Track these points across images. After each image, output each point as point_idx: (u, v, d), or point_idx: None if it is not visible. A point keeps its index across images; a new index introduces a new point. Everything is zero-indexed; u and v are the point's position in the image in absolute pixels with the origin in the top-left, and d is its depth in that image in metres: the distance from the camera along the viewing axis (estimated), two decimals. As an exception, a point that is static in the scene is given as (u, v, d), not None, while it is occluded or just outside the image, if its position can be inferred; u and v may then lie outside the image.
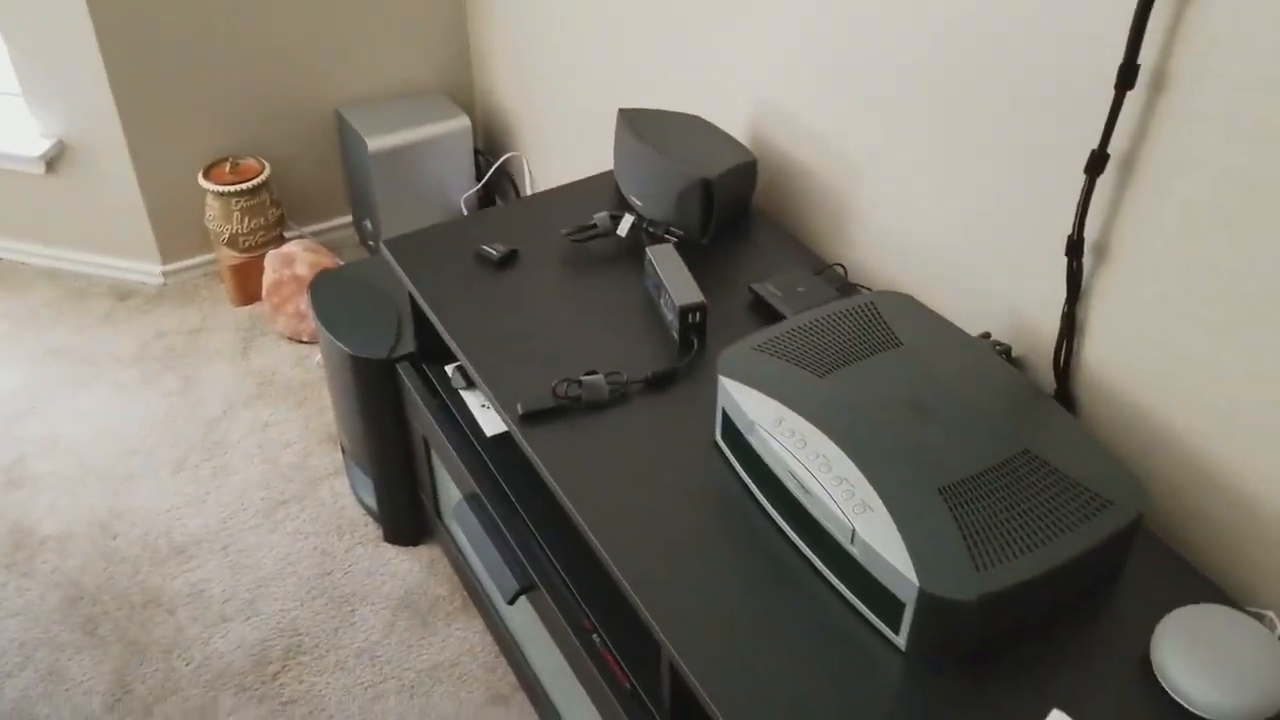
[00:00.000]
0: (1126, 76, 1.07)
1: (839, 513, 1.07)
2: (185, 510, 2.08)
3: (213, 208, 2.47)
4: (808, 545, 1.15)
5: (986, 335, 1.36)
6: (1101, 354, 1.25)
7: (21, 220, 2.65)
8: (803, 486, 1.12)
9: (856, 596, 1.10)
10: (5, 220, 2.66)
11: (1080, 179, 1.18)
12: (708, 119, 1.84)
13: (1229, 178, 1.05)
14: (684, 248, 1.60)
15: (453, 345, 1.46)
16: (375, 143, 2.45)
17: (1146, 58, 1.08)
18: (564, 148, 2.45)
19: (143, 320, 2.54)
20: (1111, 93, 1.10)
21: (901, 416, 1.14)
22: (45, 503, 2.09)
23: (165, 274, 2.64)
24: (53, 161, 2.50)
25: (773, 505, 1.19)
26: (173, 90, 2.42)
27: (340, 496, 2.10)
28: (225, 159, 2.51)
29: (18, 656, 1.82)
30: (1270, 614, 1.11)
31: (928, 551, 1.02)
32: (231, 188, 2.42)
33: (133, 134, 2.42)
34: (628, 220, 1.59)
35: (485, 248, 1.58)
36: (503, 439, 1.57)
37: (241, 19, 2.41)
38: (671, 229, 1.58)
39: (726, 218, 1.63)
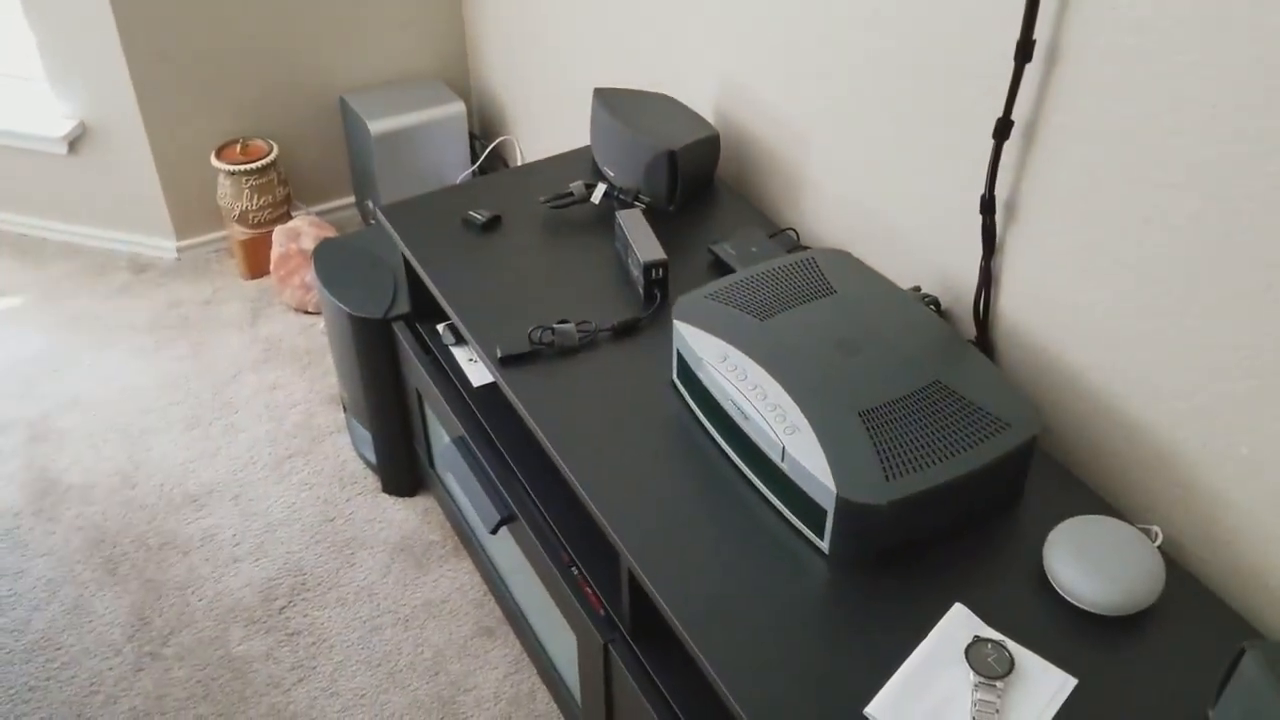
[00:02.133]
0: (1024, 50, 1.22)
1: (772, 434, 1.22)
2: (198, 463, 2.24)
3: (224, 186, 2.63)
4: (747, 465, 1.30)
5: (916, 289, 1.51)
6: (1015, 303, 1.41)
7: (45, 198, 2.82)
8: (742, 413, 1.27)
9: (788, 508, 1.25)
10: (30, 198, 2.83)
11: (990, 144, 1.33)
12: (677, 98, 1.99)
13: (1113, 140, 1.20)
14: (652, 214, 1.76)
15: (441, 300, 1.61)
16: (377, 126, 2.61)
17: (1041, 34, 1.23)
18: (551, 131, 2.60)
19: (158, 292, 2.71)
20: (1013, 65, 1.25)
21: (829, 353, 1.29)
22: (69, 455, 2.25)
23: (179, 249, 2.81)
24: (74, 143, 2.67)
25: (719, 432, 1.35)
26: (187, 76, 2.58)
27: (342, 451, 2.26)
28: (236, 140, 2.67)
29: (45, 592, 1.98)
30: (1155, 527, 1.26)
31: (846, 465, 1.17)
32: (242, 167, 2.58)
33: (149, 117, 2.58)
34: (601, 188, 1.74)
35: (471, 213, 1.73)
36: (488, 389, 1.73)
37: (252, 10, 2.57)
38: (640, 196, 1.74)
39: (691, 187, 1.78)
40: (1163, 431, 1.26)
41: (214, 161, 2.60)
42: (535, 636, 1.77)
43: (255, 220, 2.66)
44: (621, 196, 1.74)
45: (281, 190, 2.69)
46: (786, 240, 1.69)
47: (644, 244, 1.58)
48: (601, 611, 1.42)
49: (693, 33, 1.91)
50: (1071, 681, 1.10)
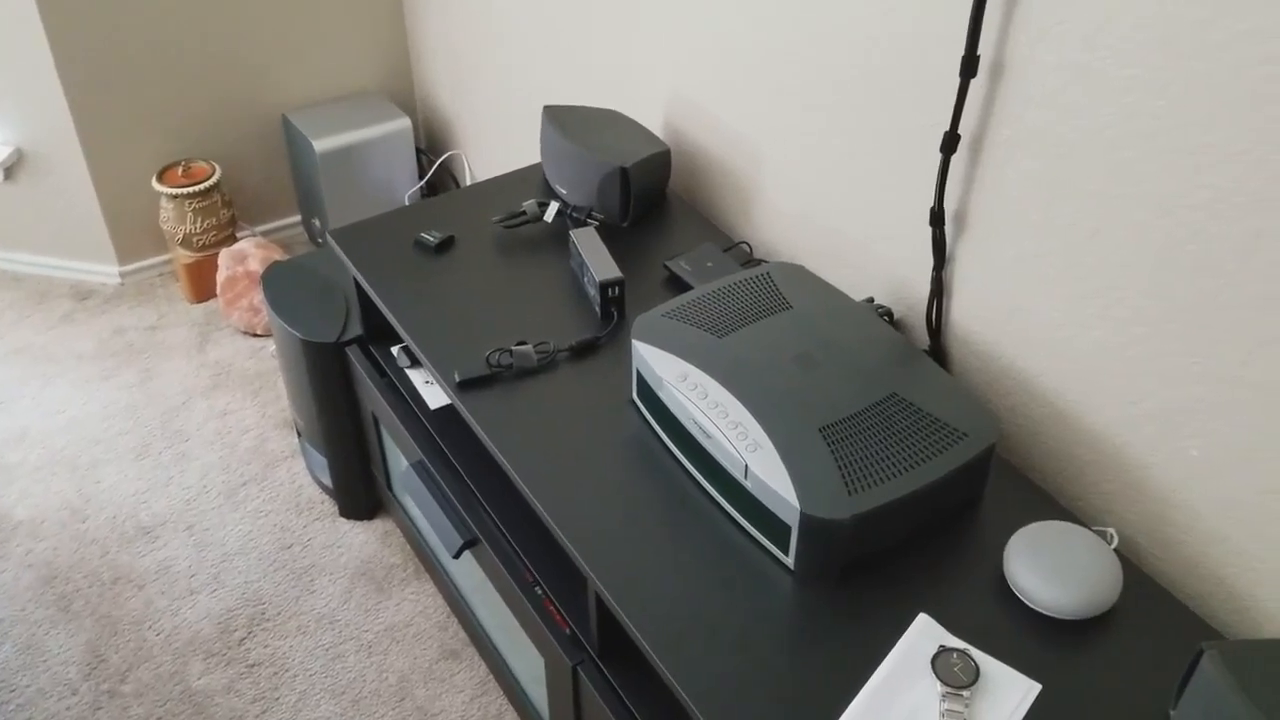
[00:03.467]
0: (969, 66, 1.24)
1: (734, 452, 1.23)
2: (150, 494, 2.20)
3: (166, 210, 2.59)
4: (710, 483, 1.31)
5: (870, 300, 1.53)
6: (967, 312, 1.43)
7: (-20, 227, 2.76)
8: (704, 432, 1.28)
9: (752, 525, 1.26)
10: (-36, 227, 2.76)
11: (938, 157, 1.35)
12: (626, 114, 2.00)
13: (1056, 151, 1.22)
14: (606, 231, 1.76)
15: (395, 324, 1.60)
16: (321, 144, 2.58)
17: (985, 51, 1.25)
18: (501, 144, 2.60)
19: (102, 319, 2.66)
20: (958, 81, 1.27)
21: (788, 368, 1.30)
22: (16, 490, 2.20)
23: (123, 274, 2.76)
24: (11, 169, 2.61)
25: (681, 451, 1.35)
26: (126, 98, 2.54)
27: (297, 477, 2.24)
28: (177, 163, 2.63)
29: (-5, 633, 1.94)
30: (1111, 530, 1.29)
31: (809, 481, 1.18)
32: (184, 190, 2.54)
33: (88, 141, 2.54)
34: (553, 207, 1.74)
35: (423, 235, 1.72)
36: (445, 411, 1.72)
37: (191, 30, 2.53)
38: (594, 214, 1.74)
39: (644, 203, 1.79)
40: (1115, 436, 1.29)
41: (155, 185, 2.56)
42: (501, 658, 1.76)
43: (200, 243, 2.62)
44: (575, 214, 1.74)
45: (225, 212, 2.65)
46: (740, 254, 1.70)
47: (599, 262, 1.58)
48: (568, 632, 1.42)
49: (640, 49, 1.91)
50: (1036, 687, 1.11)
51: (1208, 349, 1.14)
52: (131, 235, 2.72)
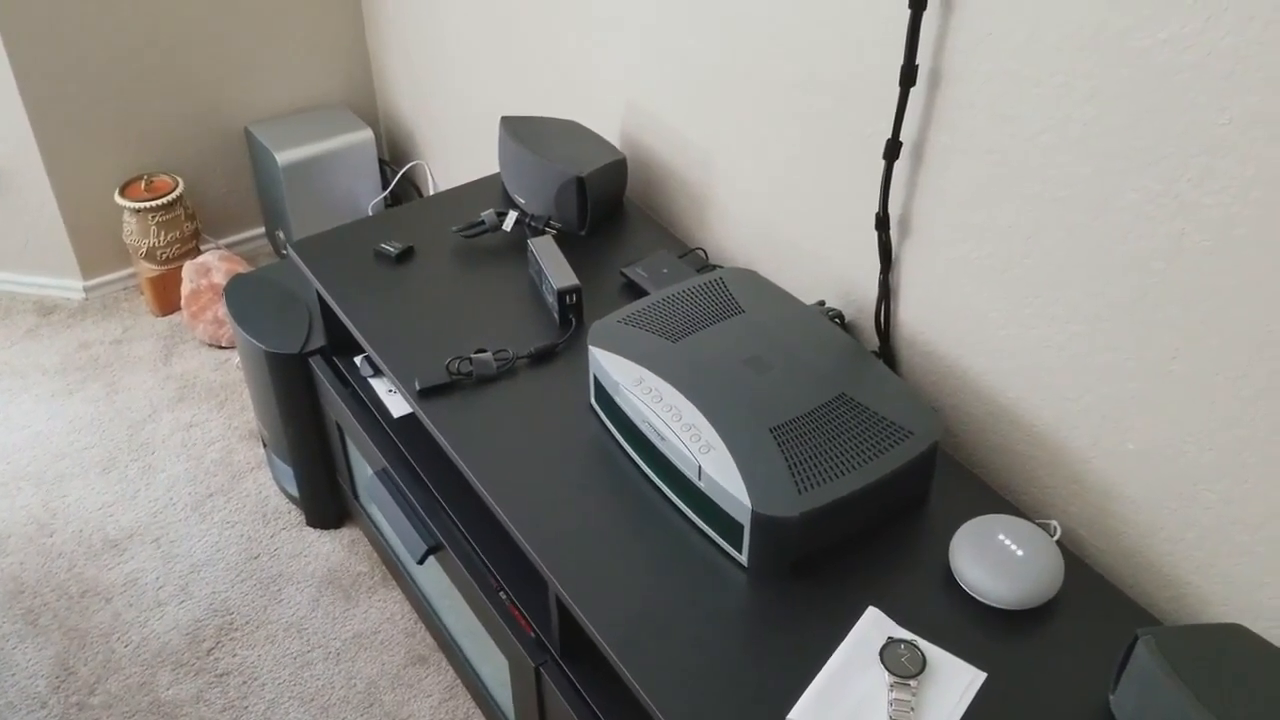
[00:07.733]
0: (908, 76, 1.28)
1: (688, 453, 1.26)
2: (116, 507, 2.21)
3: (130, 224, 2.59)
4: (666, 484, 1.34)
5: (821, 303, 1.56)
6: (913, 313, 1.47)
7: (-59, 243, 2.75)
8: (659, 434, 1.31)
9: (707, 524, 1.29)
10: (-75, 244, 2.76)
11: (882, 164, 1.39)
12: (583, 123, 2.03)
13: (993, 156, 1.27)
14: (564, 239, 1.79)
15: (357, 334, 1.62)
16: (284, 156, 2.60)
17: (923, 61, 1.29)
18: (463, 154, 2.62)
19: (66, 334, 2.66)
20: (899, 90, 1.32)
21: (740, 371, 1.34)
22: (-19, 507, 2.21)
23: (87, 289, 2.76)
24: (-29, 185, 2.61)
25: (637, 454, 1.38)
26: (87, 114, 2.54)
27: (263, 487, 2.25)
28: (140, 177, 2.64)
29: (-38, 649, 1.94)
30: (1054, 522, 1.33)
31: (760, 480, 1.21)
32: (147, 204, 2.55)
33: (50, 157, 2.54)
34: (512, 216, 1.77)
35: (384, 245, 1.75)
36: (408, 420, 1.74)
37: (151, 44, 2.54)
38: (551, 222, 1.77)
39: (601, 211, 1.82)
40: (1055, 431, 1.33)
41: (118, 199, 2.56)
42: (468, 662, 1.79)
43: (163, 256, 2.63)
44: (533, 223, 1.77)
45: (189, 225, 2.66)
46: (696, 260, 1.74)
47: (557, 270, 1.61)
48: (532, 634, 1.45)
49: (597, 60, 1.95)
50: (981, 675, 1.15)
51: (1140, 345, 1.19)
52: (95, 250, 2.73)
